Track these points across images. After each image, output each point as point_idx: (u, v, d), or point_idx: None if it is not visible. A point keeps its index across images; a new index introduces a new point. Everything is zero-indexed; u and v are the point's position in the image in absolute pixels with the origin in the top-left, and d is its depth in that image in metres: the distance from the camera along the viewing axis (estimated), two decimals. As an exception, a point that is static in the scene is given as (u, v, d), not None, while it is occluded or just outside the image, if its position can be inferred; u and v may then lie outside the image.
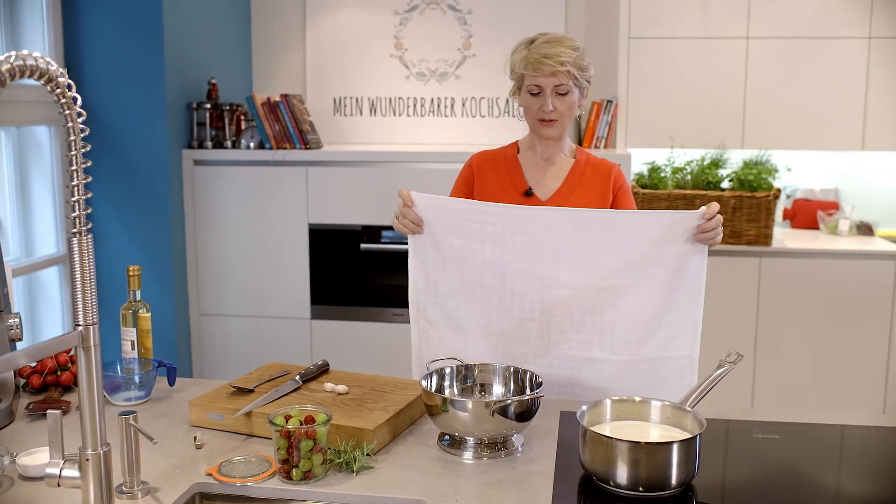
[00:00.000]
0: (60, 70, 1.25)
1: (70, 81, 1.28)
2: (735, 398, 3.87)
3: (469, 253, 2.04)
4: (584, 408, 1.60)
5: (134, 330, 2.00)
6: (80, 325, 1.33)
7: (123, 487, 1.46)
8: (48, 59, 1.23)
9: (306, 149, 3.90)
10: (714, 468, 1.65)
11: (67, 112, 1.29)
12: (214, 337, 4.02)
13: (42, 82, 1.25)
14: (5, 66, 1.15)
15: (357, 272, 3.93)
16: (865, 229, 4.11)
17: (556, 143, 2.24)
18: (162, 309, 3.80)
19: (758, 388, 3.88)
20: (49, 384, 1.96)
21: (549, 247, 1.99)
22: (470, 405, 1.62)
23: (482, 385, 1.81)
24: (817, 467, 1.66)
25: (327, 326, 3.96)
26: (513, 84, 2.24)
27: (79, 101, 1.29)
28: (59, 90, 1.26)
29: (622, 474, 1.48)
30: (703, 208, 1.97)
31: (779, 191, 3.87)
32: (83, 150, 1.31)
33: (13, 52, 1.18)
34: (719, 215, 1.98)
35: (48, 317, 3.71)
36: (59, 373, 1.96)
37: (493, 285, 2.05)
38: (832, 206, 4.23)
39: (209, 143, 3.93)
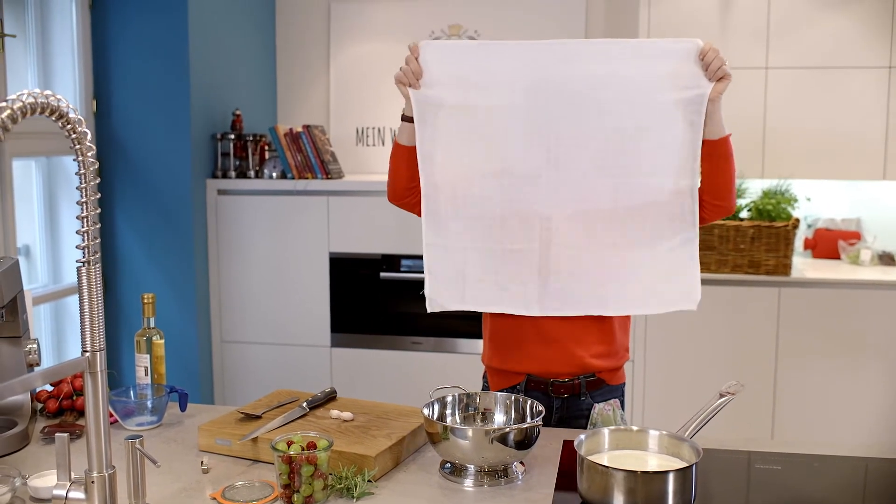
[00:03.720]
0: (71, 107, 1.31)
1: (80, 117, 1.33)
2: (755, 429, 3.84)
3: (472, 110, 1.97)
4: (583, 437, 1.62)
5: (148, 356, 2.04)
6: (87, 352, 1.37)
7: (129, 510, 1.50)
8: (59, 96, 1.29)
9: (327, 178, 3.97)
10: (712, 498, 1.65)
11: (78, 147, 1.35)
12: (236, 364, 4.07)
13: (54, 118, 1.31)
14: (17, 105, 1.22)
15: (377, 300, 3.97)
16: (888, 259, 4.08)
17: None
18: (184, 336, 3.87)
19: (777, 419, 3.85)
20: (65, 409, 2.02)
21: (550, 95, 1.94)
22: (470, 433, 1.64)
23: (483, 413, 1.83)
24: (815, 499, 1.66)
25: (347, 354, 4.00)
26: None
27: (88, 136, 1.34)
28: (69, 126, 1.32)
29: (619, 503, 1.49)
30: (699, 40, 1.93)
31: (797, 220, 3.86)
32: (94, 183, 1.37)
33: (25, 91, 1.24)
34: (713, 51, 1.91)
35: (74, 343, 3.79)
36: (74, 397, 2.02)
37: (493, 159, 1.98)
38: (854, 236, 4.21)
39: (233, 173, 4.01)
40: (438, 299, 2.04)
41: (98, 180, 1.38)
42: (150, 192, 3.82)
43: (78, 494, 1.39)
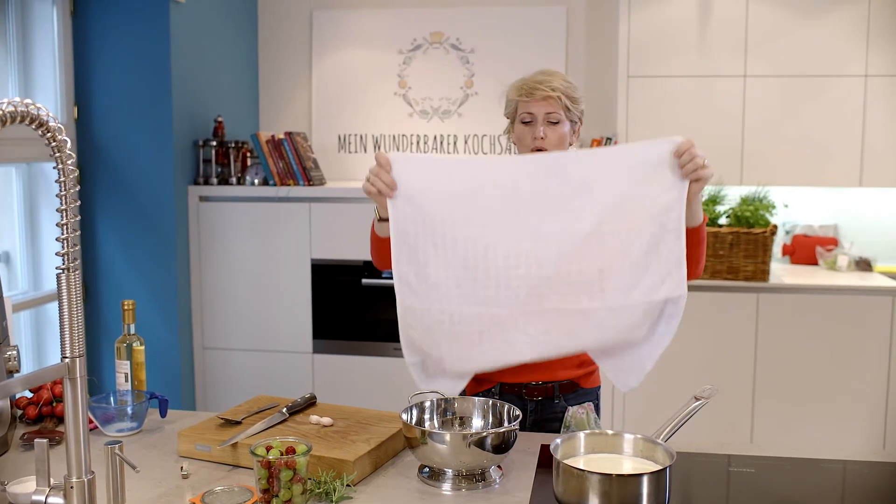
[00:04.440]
0: (50, 114, 1.32)
1: (60, 126, 1.34)
2: (734, 434, 3.88)
3: (449, 213, 1.89)
4: (558, 441, 1.64)
5: (128, 363, 2.05)
6: (66, 358, 1.38)
7: (108, 515, 1.51)
8: (39, 105, 1.30)
9: (310, 185, 3.98)
10: (686, 501, 1.68)
11: (58, 155, 1.36)
12: (217, 370, 4.07)
13: (33, 127, 1.32)
14: (-4, 113, 1.23)
15: (359, 307, 3.98)
16: (864, 265, 4.13)
17: None
18: (166, 342, 3.86)
19: (757, 423, 3.89)
20: (45, 415, 2.02)
21: (530, 197, 1.88)
22: (448, 437, 1.66)
23: (461, 418, 1.85)
24: (793, 502, 1.69)
25: (329, 360, 4.01)
26: (507, 123, 2.27)
27: (68, 144, 1.36)
28: (49, 134, 1.33)
29: (594, 506, 1.51)
30: (677, 138, 1.84)
31: (775, 227, 3.90)
32: (73, 190, 1.38)
33: (5, 100, 1.25)
34: (696, 150, 1.83)
35: (54, 349, 3.78)
36: (54, 404, 2.02)
37: (476, 245, 1.89)
38: (831, 242, 4.26)
39: (214, 180, 4.02)
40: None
41: (78, 187, 1.39)
42: (131, 199, 3.82)
43: (57, 500, 1.40)
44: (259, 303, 4.02)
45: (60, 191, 1.37)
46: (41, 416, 2.02)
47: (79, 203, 1.39)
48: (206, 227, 4.00)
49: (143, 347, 2.08)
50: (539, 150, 2.12)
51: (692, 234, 1.92)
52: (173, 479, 1.72)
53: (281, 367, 4.03)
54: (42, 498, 1.40)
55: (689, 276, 1.90)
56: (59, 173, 1.37)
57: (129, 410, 1.98)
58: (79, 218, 1.39)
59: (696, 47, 4.07)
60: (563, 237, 1.86)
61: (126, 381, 2.05)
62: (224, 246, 4.00)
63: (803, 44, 4.00)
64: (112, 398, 2.02)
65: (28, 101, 1.28)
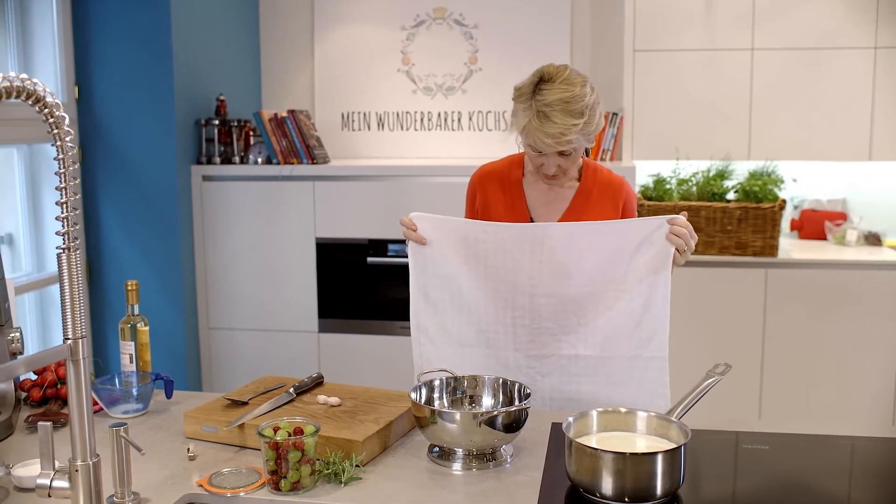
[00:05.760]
0: (47, 90, 1.29)
1: (58, 101, 1.31)
2: (743, 409, 3.86)
3: (465, 270, 2.11)
4: (571, 419, 1.61)
5: (132, 343, 2.03)
6: (69, 339, 1.36)
7: (114, 498, 1.49)
8: (36, 80, 1.27)
9: (313, 163, 3.94)
10: (701, 478, 1.66)
11: (56, 131, 1.32)
12: (223, 350, 4.06)
13: (30, 103, 1.28)
14: (-8, 88, 1.19)
15: (364, 286, 3.96)
16: (873, 239, 4.09)
17: None
18: (170, 323, 3.85)
19: (765, 399, 3.87)
20: (49, 397, 2.00)
21: (537, 261, 2.07)
22: (458, 416, 1.64)
23: (471, 397, 1.83)
24: (804, 478, 1.67)
25: (334, 339, 3.99)
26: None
27: (66, 120, 1.32)
28: (46, 110, 1.30)
29: (607, 485, 1.49)
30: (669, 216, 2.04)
31: (784, 202, 3.86)
32: (72, 167, 1.35)
33: (0, 75, 1.22)
34: (684, 223, 2.01)
35: (58, 331, 3.76)
36: (58, 386, 2.00)
37: (487, 298, 2.11)
38: (840, 217, 4.22)
39: (217, 159, 3.98)
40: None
41: (77, 165, 1.35)
42: (134, 179, 3.79)
43: (62, 483, 1.38)
44: (264, 282, 3.99)
45: (59, 168, 1.34)
46: (46, 398, 2.00)
47: (78, 181, 1.36)
48: (209, 207, 3.97)
49: (147, 328, 2.05)
50: (549, 176, 2.16)
51: None
52: (180, 460, 1.70)
53: (286, 346, 4.01)
54: (47, 481, 1.38)
55: None
56: (57, 150, 1.33)
57: (135, 392, 1.95)
58: (79, 196, 1.36)
59: (702, 20, 4.01)
60: (562, 295, 2.07)
61: (131, 362, 2.03)
62: (227, 225, 3.97)
63: (811, 16, 3.94)
64: (117, 379, 2.00)
65: (24, 76, 1.25)
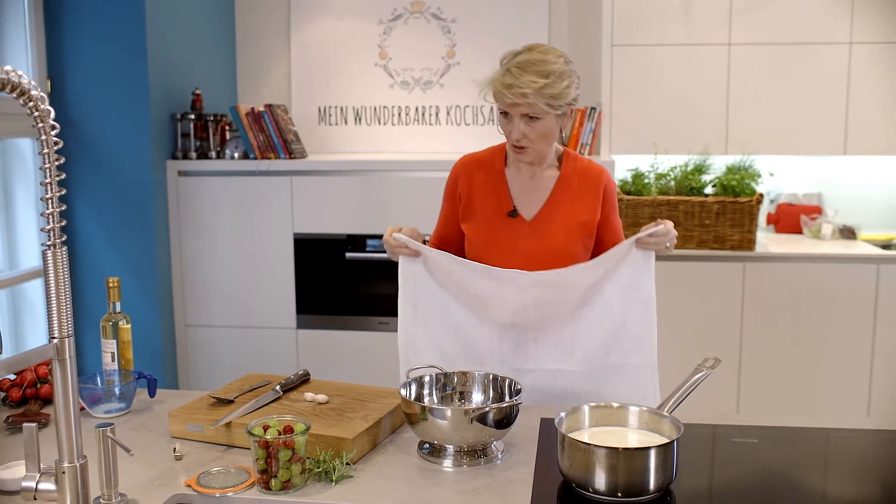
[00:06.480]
0: (33, 83, 1.25)
1: (43, 94, 1.28)
2: (720, 403, 3.88)
3: (452, 289, 2.16)
4: (563, 414, 1.61)
5: (114, 342, 1.99)
6: (55, 338, 1.33)
7: (101, 500, 1.46)
8: (20, 72, 1.23)
9: (290, 158, 3.91)
10: (692, 473, 1.65)
11: (41, 125, 1.29)
12: (200, 347, 4.01)
13: (14, 95, 1.25)
14: (-24, 80, 1.16)
15: (342, 281, 3.93)
16: (848, 233, 4.13)
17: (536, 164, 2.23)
18: (147, 320, 3.79)
19: (743, 392, 3.89)
20: (29, 397, 1.96)
21: (518, 290, 2.11)
22: (449, 413, 1.62)
23: (461, 393, 1.82)
24: (795, 470, 1.67)
25: (313, 336, 3.96)
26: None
27: (51, 114, 1.29)
28: (31, 103, 1.27)
29: (600, 480, 1.48)
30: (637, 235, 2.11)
31: (761, 196, 3.88)
32: (57, 163, 1.31)
33: (-16, 66, 1.18)
34: (664, 228, 2.08)
35: (32, 329, 3.70)
36: (38, 385, 1.96)
37: (475, 316, 2.16)
38: (815, 211, 4.25)
39: (193, 154, 3.93)
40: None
41: (62, 160, 1.32)
42: (109, 175, 3.73)
43: (48, 486, 1.35)
44: (241, 278, 3.95)
45: (44, 163, 1.31)
46: (25, 398, 1.96)
47: (63, 176, 1.33)
48: (185, 202, 3.92)
49: (129, 326, 2.02)
50: (517, 148, 2.14)
51: None
52: (166, 461, 1.67)
53: (265, 343, 3.97)
54: (32, 484, 1.35)
55: None
56: (41, 145, 1.30)
57: (117, 391, 1.92)
58: (64, 191, 1.32)
59: (680, 15, 4.02)
60: (550, 313, 2.13)
61: (113, 360, 1.99)
62: (204, 221, 3.92)
63: (788, 11, 3.96)
64: (99, 378, 1.96)
65: (8, 67, 1.22)
